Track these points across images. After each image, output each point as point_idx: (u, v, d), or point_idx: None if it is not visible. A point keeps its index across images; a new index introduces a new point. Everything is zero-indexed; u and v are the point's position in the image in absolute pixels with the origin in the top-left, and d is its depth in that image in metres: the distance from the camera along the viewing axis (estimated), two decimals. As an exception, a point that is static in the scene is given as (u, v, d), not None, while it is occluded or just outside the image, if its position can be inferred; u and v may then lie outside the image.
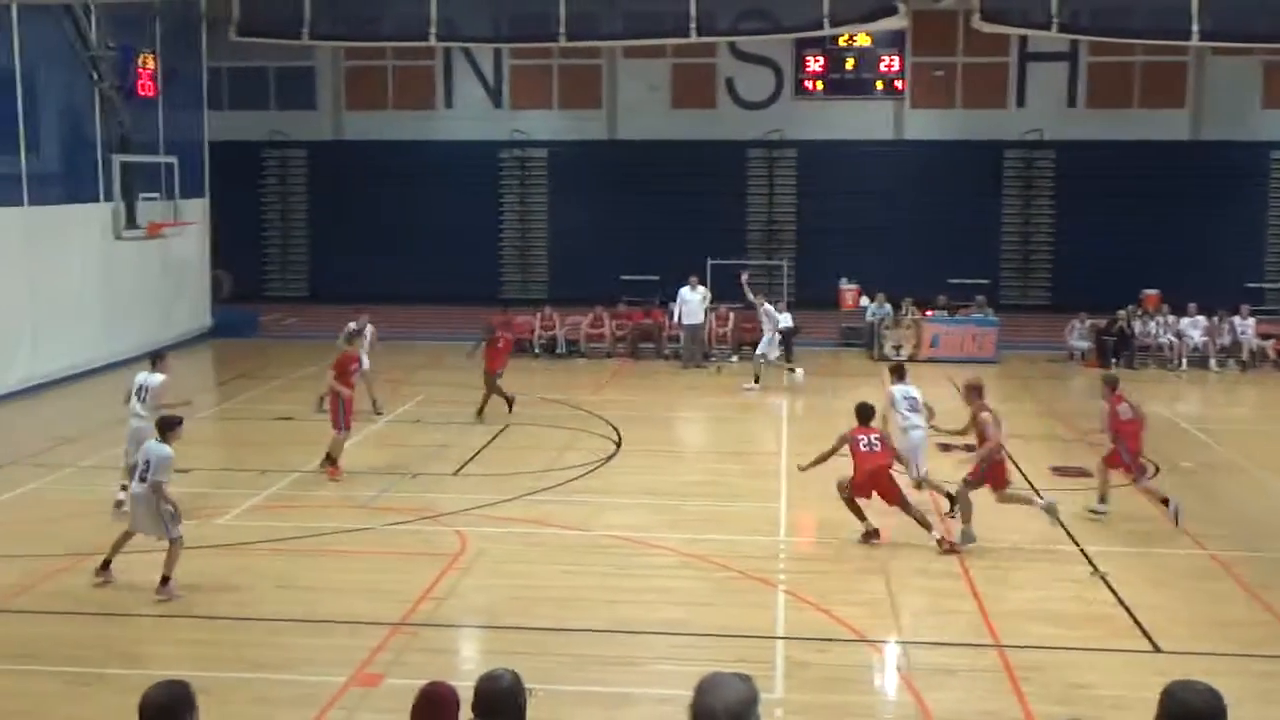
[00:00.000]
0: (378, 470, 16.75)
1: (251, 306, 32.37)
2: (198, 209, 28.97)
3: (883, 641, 10.90)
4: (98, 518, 14.17)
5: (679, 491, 15.86)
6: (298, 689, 9.64)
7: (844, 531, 13.96)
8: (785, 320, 27.25)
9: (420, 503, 15.12)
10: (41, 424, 19.50)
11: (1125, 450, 14.48)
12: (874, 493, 13.44)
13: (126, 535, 12.12)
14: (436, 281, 32.54)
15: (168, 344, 26.71)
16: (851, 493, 13.49)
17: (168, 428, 12.09)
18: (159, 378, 14.87)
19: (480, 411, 20.04)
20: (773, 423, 20.53)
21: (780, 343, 25.82)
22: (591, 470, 17.00)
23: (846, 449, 13.65)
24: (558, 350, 27.49)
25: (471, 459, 17.60)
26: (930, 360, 26.56)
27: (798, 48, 32.10)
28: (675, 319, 26.55)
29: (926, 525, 13.38)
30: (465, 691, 5.46)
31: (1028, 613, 11.49)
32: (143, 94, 26.21)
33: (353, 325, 19.34)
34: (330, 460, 16.42)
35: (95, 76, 24.73)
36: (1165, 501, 14.25)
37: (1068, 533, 13.80)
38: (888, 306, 27.91)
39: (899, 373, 15.69)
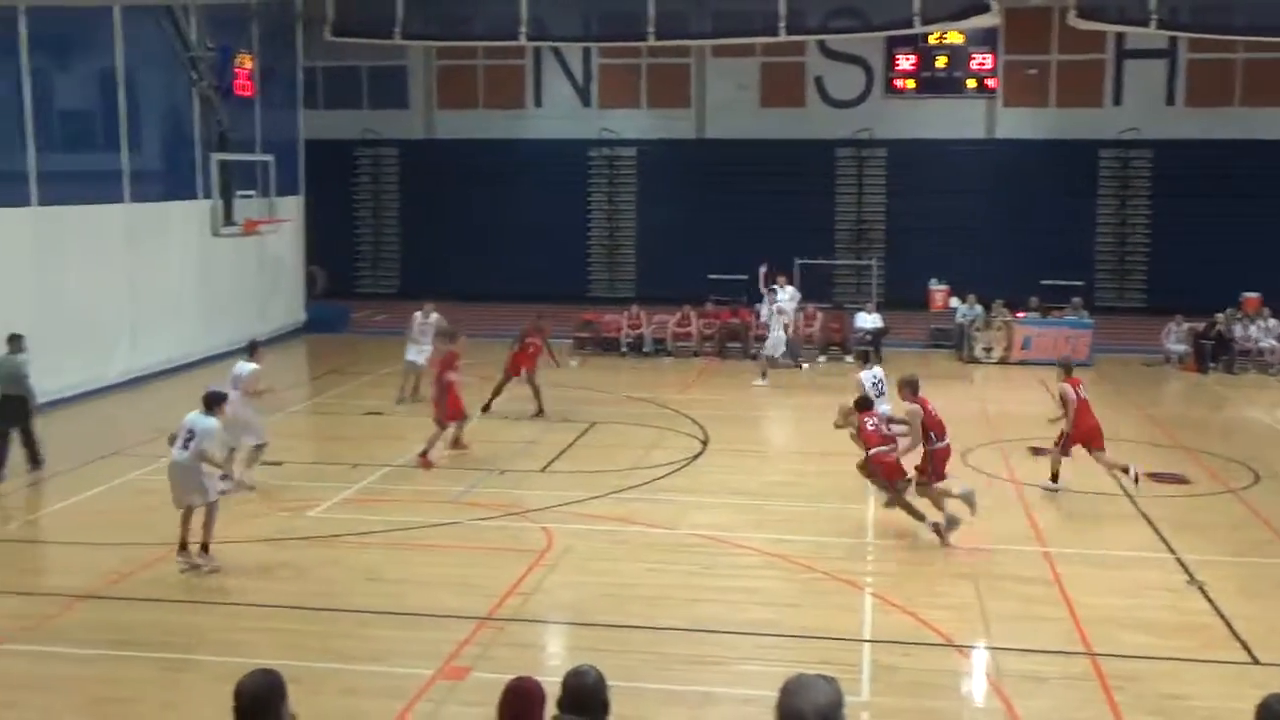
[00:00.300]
0: (466, 466, 16.89)
1: (343, 303, 32.82)
2: (293, 206, 29.44)
3: (971, 647, 10.76)
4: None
5: (764, 491, 15.80)
6: (386, 681, 9.75)
7: (931, 535, 13.83)
8: (874, 321, 27.08)
9: (508, 499, 15.23)
10: (140, 416, 19.91)
11: (1082, 430, 15.41)
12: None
13: (186, 513, 12.49)
14: (525, 280, 32.76)
15: (263, 338, 27.29)
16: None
17: (214, 402, 12.69)
18: (251, 366, 15.85)
19: (487, 406, 20.22)
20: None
21: (871, 343, 25.67)
22: (678, 469, 17.00)
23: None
24: (644, 349, 27.52)
25: (559, 456, 17.68)
26: (1022, 363, 26.20)
27: (888, 46, 31.80)
28: (762, 319, 26.42)
29: (919, 516, 13.56)
30: (550, 687, 5.49)
31: (1121, 620, 11.26)
32: (240, 93, 26.70)
33: (417, 316, 21.12)
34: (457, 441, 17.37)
35: (194, 76, 25.23)
36: (1125, 469, 15.23)
37: (1163, 540, 13.54)
38: (978, 308, 27.55)
39: (866, 358, 16.58)
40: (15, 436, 16.47)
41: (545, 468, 17.04)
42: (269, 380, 16.36)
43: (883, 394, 16.00)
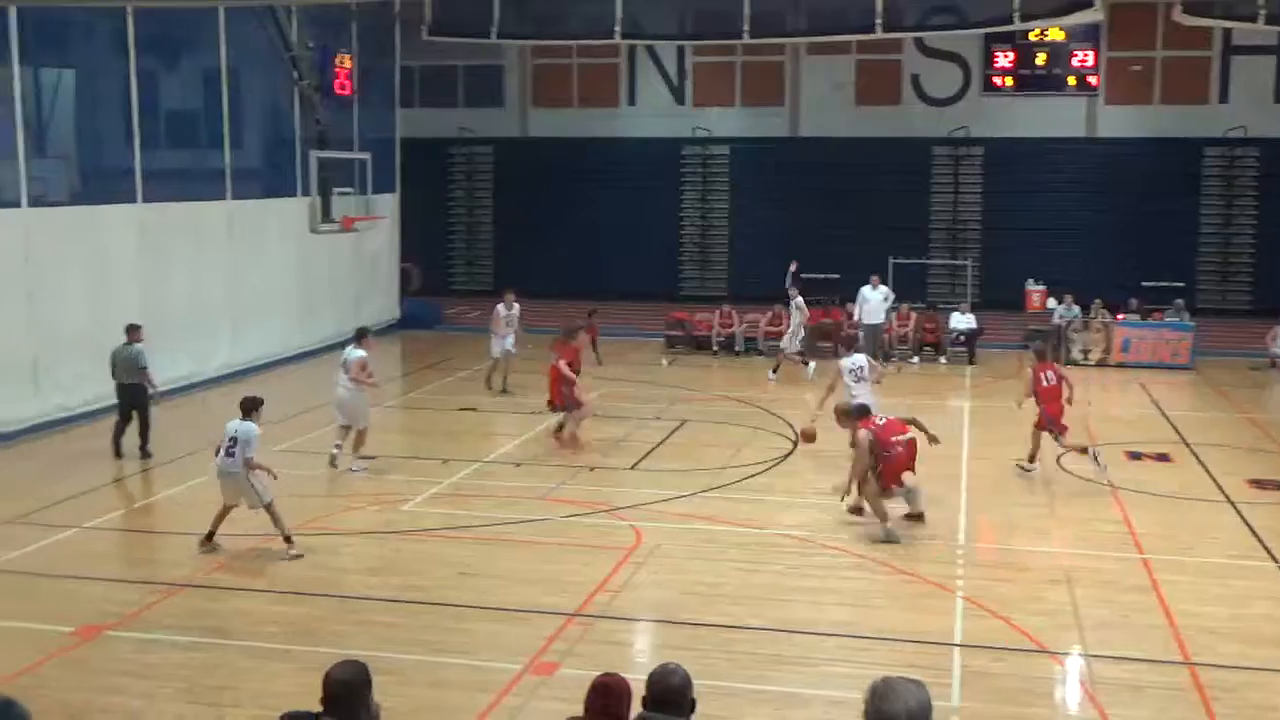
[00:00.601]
0: (556, 463, 16.99)
1: (437, 299, 33.17)
2: (388, 204, 29.84)
3: (1065, 653, 10.57)
4: (290, 500, 14.75)
5: (854, 492, 15.62)
6: (475, 674, 9.85)
7: (1025, 539, 13.66)
8: (968, 322, 26.74)
9: (597, 496, 15.29)
10: (238, 410, 20.28)
11: (1045, 414, 16.25)
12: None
13: (226, 509, 12.89)
14: (617, 277, 32.86)
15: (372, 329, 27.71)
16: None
17: (252, 407, 13.06)
18: (360, 353, 16.49)
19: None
20: (953, 426, 20.08)
21: (964, 343, 25.39)
22: (767, 468, 16.94)
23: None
24: (736, 348, 27.44)
25: (648, 454, 17.72)
26: (1120, 365, 25.70)
27: (986, 43, 31.39)
28: (855, 318, 26.24)
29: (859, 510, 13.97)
30: (637, 684, 5.50)
31: (1221, 630, 10.99)
32: (339, 92, 27.13)
33: (500, 308, 22.14)
34: (562, 429, 18.07)
35: (296, 76, 25.68)
36: (1084, 450, 16.23)
37: (1265, 548, 13.21)
38: (1076, 309, 27.06)
39: (850, 344, 17.84)
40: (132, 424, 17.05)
41: (635, 465, 17.08)
42: (374, 367, 17.03)
43: (862, 380, 17.00)
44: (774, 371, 24.03)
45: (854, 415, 14.23)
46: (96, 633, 10.67)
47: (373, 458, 16.73)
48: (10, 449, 17.69)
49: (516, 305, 22.67)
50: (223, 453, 12.82)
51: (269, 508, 12.74)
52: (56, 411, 18.84)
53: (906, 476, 13.93)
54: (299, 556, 12.68)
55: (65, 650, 10.17)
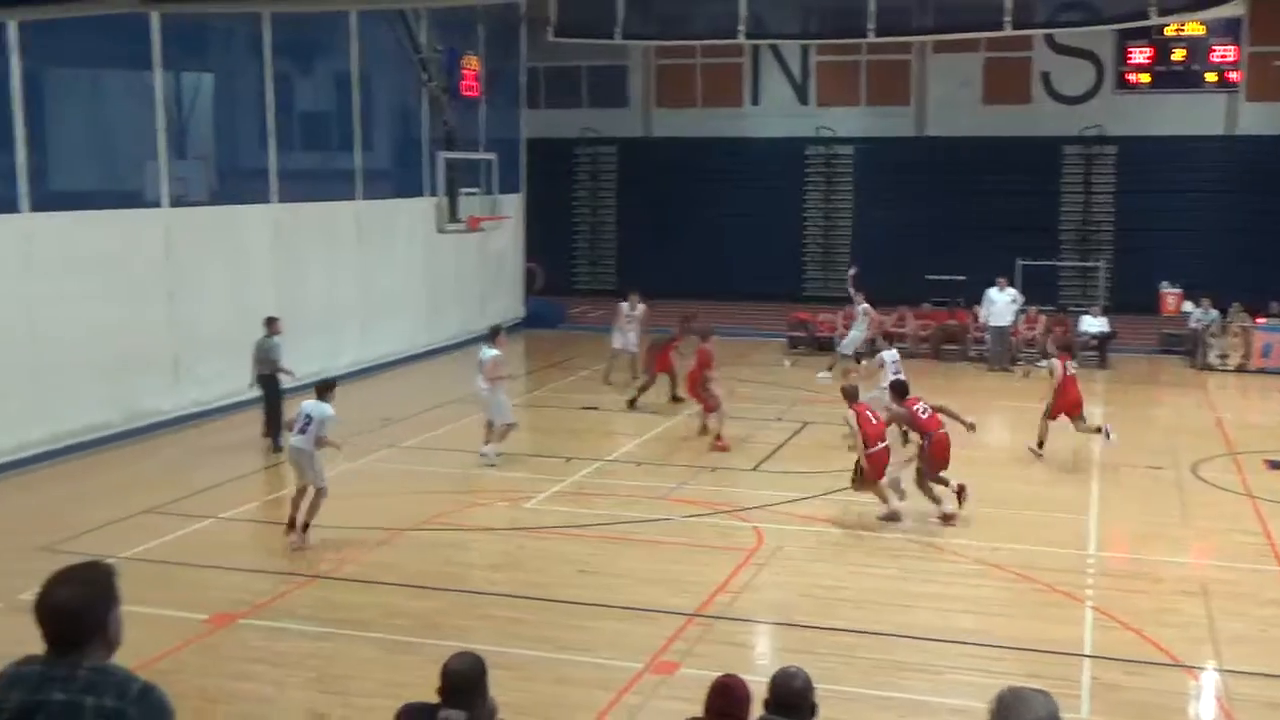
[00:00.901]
0: (678, 463, 17.02)
1: (561, 299, 33.45)
2: (513, 204, 30.18)
3: (1200, 668, 10.27)
4: (417, 496, 15.04)
5: (980, 497, 15.34)
6: (595, 672, 9.91)
7: (1158, 549, 13.30)
8: (1099, 325, 26.13)
9: (719, 497, 15.28)
10: (366, 406, 20.74)
11: (1061, 402, 17.16)
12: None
13: (301, 491, 13.29)
14: (739, 278, 32.77)
15: (485, 332, 28.04)
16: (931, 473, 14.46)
17: (326, 389, 13.59)
18: (493, 352, 16.95)
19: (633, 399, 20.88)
20: (1083, 432, 19.64)
21: (1095, 346, 24.84)
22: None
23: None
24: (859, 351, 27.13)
25: (771, 455, 17.65)
26: (1261, 371, 24.88)
27: (1120, 39, 30.60)
28: (981, 320, 25.81)
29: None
30: (757, 686, 5.49)
31: (1366, 647, 10.59)
32: (466, 94, 27.51)
33: (624, 307, 22.66)
34: (716, 435, 18.10)
35: (424, 78, 26.11)
36: (1099, 429, 17.24)
37: None
38: (1214, 312, 26.25)
39: (891, 338, 19.11)
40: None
41: (757, 466, 17.03)
42: (509, 365, 17.66)
43: (900, 372, 17.39)
44: (828, 370, 23.82)
45: (897, 392, 15.08)
46: (230, 620, 10.99)
47: (499, 454, 16.90)
48: (150, 441, 18.29)
49: (641, 306, 23.08)
50: (296, 430, 13.33)
51: (319, 491, 13.15)
52: (193, 406, 19.44)
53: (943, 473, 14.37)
54: (299, 549, 13.02)
55: (200, 637, 10.49)
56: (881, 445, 14.22)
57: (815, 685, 5.39)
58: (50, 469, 16.56)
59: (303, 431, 13.23)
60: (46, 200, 17.00)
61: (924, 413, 14.59)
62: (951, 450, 14.47)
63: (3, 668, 3.78)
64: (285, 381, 17.93)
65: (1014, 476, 16.84)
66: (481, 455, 16.72)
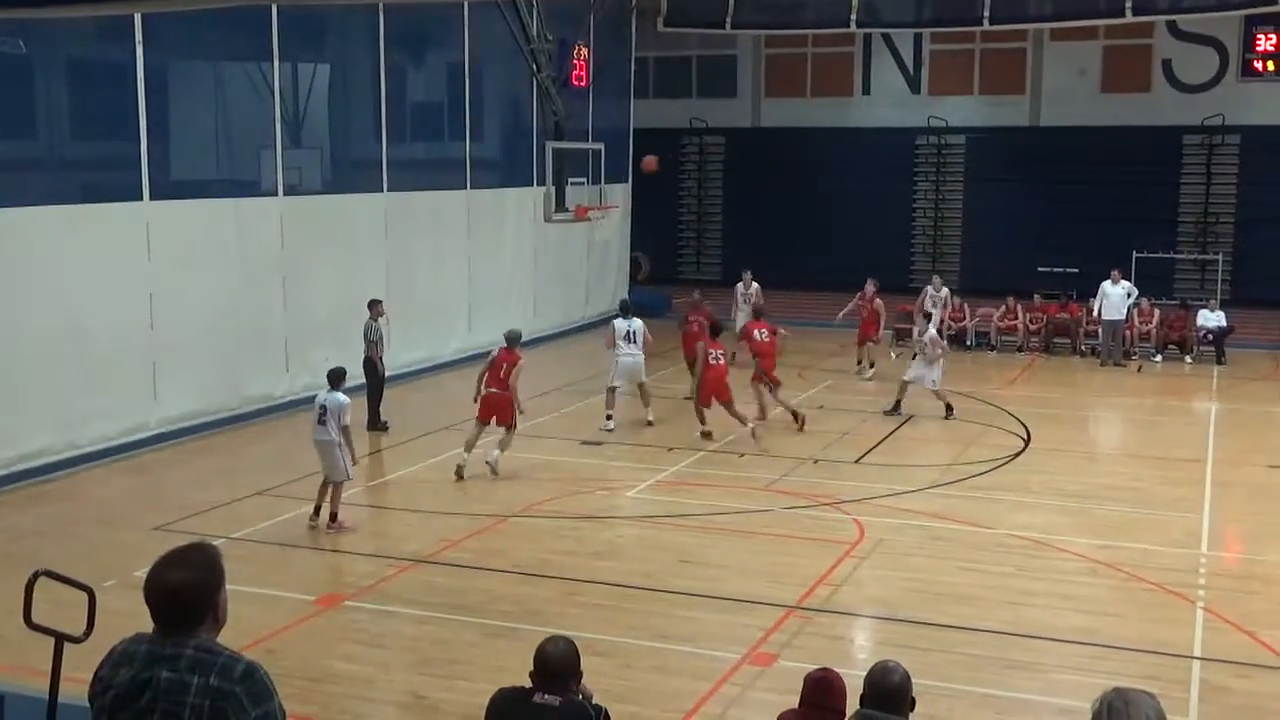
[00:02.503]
0: (780, 454, 16.95)
1: (665, 289, 33.47)
2: (620, 194, 30.26)
3: (1316, 673, 9.96)
4: (520, 483, 15.20)
5: (1089, 494, 15.11)
6: (694, 661, 9.92)
7: (1275, 549, 12.93)
8: (1217, 319, 25.43)
9: (820, 489, 15.19)
10: (472, 392, 20.99)
11: (760, 368, 18.34)
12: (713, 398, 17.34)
13: (326, 482, 13.43)
14: (847, 269, 32.37)
15: (589, 321, 28.27)
16: (699, 399, 17.56)
17: (338, 378, 13.77)
18: (640, 323, 18.49)
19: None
20: (1198, 429, 19.18)
21: (1212, 341, 24.22)
22: (998, 466, 16.50)
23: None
24: (967, 342, 26.79)
25: (874, 448, 17.49)
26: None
27: (1247, 25, 29.70)
28: (1095, 313, 25.26)
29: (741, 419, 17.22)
30: (856, 680, 5.45)
31: None
32: (576, 84, 27.63)
33: (739, 286, 23.77)
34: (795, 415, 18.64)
35: (535, 68, 26.29)
36: (795, 415, 18.19)
37: None
38: (1340, 308, 25.39)
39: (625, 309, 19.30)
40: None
41: (860, 459, 16.89)
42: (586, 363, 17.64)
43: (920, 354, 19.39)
44: (870, 365, 23.53)
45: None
46: (336, 602, 11.21)
47: (597, 444, 16.98)
48: (261, 425, 18.71)
49: (755, 285, 23.51)
50: (314, 422, 13.45)
51: (339, 484, 13.34)
52: (304, 390, 19.75)
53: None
54: (340, 532, 13.31)
55: (307, 618, 10.72)
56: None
57: (914, 680, 5.32)
58: (164, 452, 17.02)
59: (321, 423, 13.35)
60: (166, 189, 17.45)
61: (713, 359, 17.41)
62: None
63: (114, 645, 3.91)
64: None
65: (1127, 474, 16.49)
66: (606, 425, 18.08)
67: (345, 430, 13.37)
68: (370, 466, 16.71)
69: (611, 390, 18.50)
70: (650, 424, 18.55)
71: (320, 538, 13.24)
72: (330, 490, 13.39)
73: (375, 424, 17.97)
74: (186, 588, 3.77)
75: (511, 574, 12.05)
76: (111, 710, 3.76)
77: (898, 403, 19.50)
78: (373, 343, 17.98)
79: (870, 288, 23.71)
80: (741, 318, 22.92)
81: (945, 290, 24.50)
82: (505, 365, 15.66)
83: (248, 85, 19.64)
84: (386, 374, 18.59)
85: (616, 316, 19.42)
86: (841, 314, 24.21)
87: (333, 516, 13.38)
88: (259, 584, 11.34)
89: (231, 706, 3.66)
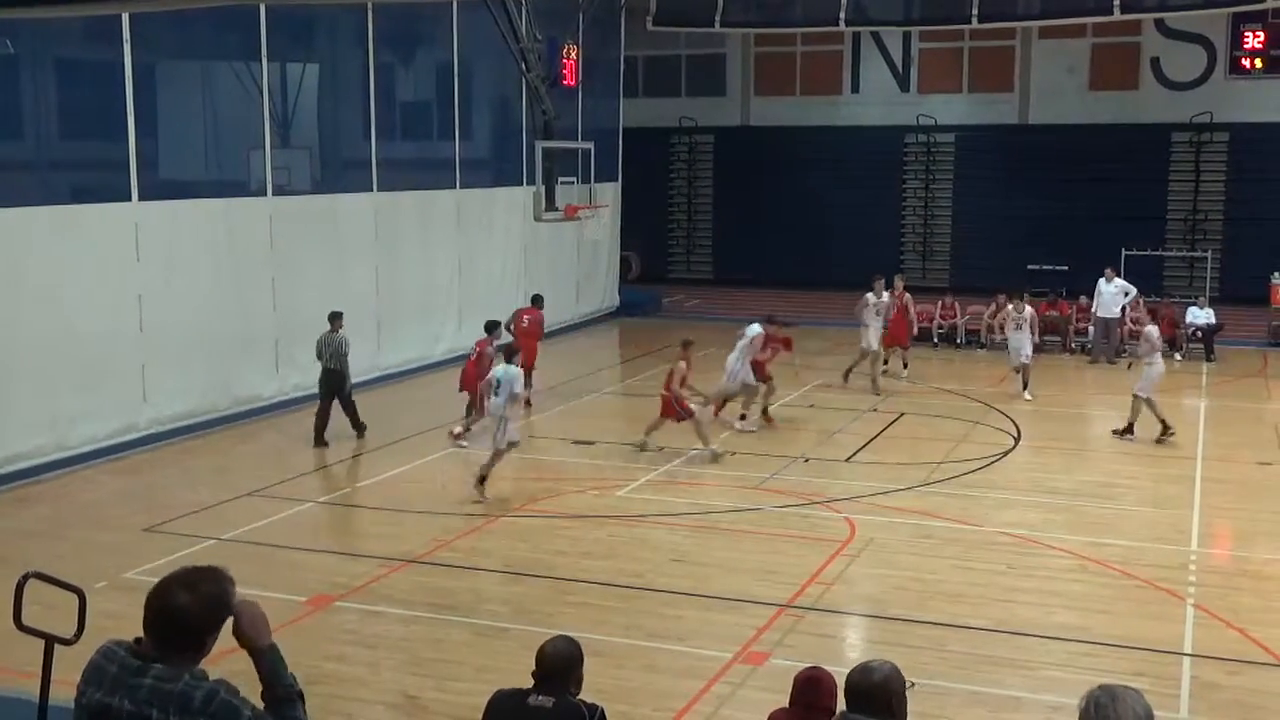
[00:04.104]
0: (770, 453, 16.95)
1: (656, 287, 33.47)
2: (610, 193, 30.24)
3: (1305, 669, 9.99)
4: (509, 481, 15.20)
5: (1080, 491, 15.14)
6: (686, 660, 9.92)
7: (1264, 546, 12.96)
8: (1206, 316, 25.48)
9: (811, 487, 15.20)
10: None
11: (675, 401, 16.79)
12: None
13: (498, 453, 14.45)
14: (837, 267, 32.54)
15: (580, 320, 28.23)
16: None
17: (513, 353, 15.21)
18: (758, 328, 18.23)
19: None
20: (1188, 427, 19.21)
21: (1201, 338, 24.25)
22: (987, 464, 16.53)
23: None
24: (957, 340, 26.83)
25: (864, 446, 17.50)
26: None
27: (1235, 22, 29.80)
28: (1093, 311, 25.22)
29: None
30: (844, 678, 5.44)
31: None
32: (565, 83, 27.59)
33: (868, 297, 21.41)
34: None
35: (523, 67, 26.24)
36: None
37: None
38: (1327, 304, 25.46)
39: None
40: (335, 407, 17.49)
41: (850, 458, 16.90)
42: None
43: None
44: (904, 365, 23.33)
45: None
46: (327, 603, 11.19)
47: (589, 443, 16.95)
48: (251, 426, 18.67)
49: (887, 294, 21.90)
50: (490, 393, 14.65)
51: (499, 451, 14.35)
52: (294, 391, 19.77)
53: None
54: (481, 501, 14.12)
55: (299, 618, 10.69)
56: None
57: (907, 678, 5.29)
58: (154, 452, 16.97)
59: (496, 394, 14.46)
60: (155, 189, 17.40)
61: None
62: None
63: (100, 645, 3.88)
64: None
65: (1116, 471, 16.52)
66: (737, 426, 18.11)
67: (514, 399, 14.53)
68: (357, 467, 16.69)
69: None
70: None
71: (315, 539, 13.20)
72: (491, 456, 14.49)
73: (358, 426, 17.67)
74: (183, 614, 3.67)
75: (503, 574, 12.04)
76: None
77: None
78: (342, 355, 17.24)
79: (899, 283, 23.04)
80: (866, 331, 21.26)
81: (886, 295, 21.97)
82: (477, 353, 17.41)
83: (236, 85, 19.59)
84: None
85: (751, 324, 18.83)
86: (873, 314, 21.67)
87: (481, 478, 14.32)
88: (249, 585, 11.16)
89: None
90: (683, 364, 16.73)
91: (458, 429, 17.33)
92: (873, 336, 21.26)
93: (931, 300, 28.00)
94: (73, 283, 15.91)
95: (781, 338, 19.32)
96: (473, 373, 17.45)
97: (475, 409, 17.01)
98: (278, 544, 12.99)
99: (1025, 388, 20.84)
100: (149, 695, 3.61)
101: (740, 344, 18.17)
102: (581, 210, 27.39)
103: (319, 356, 17.49)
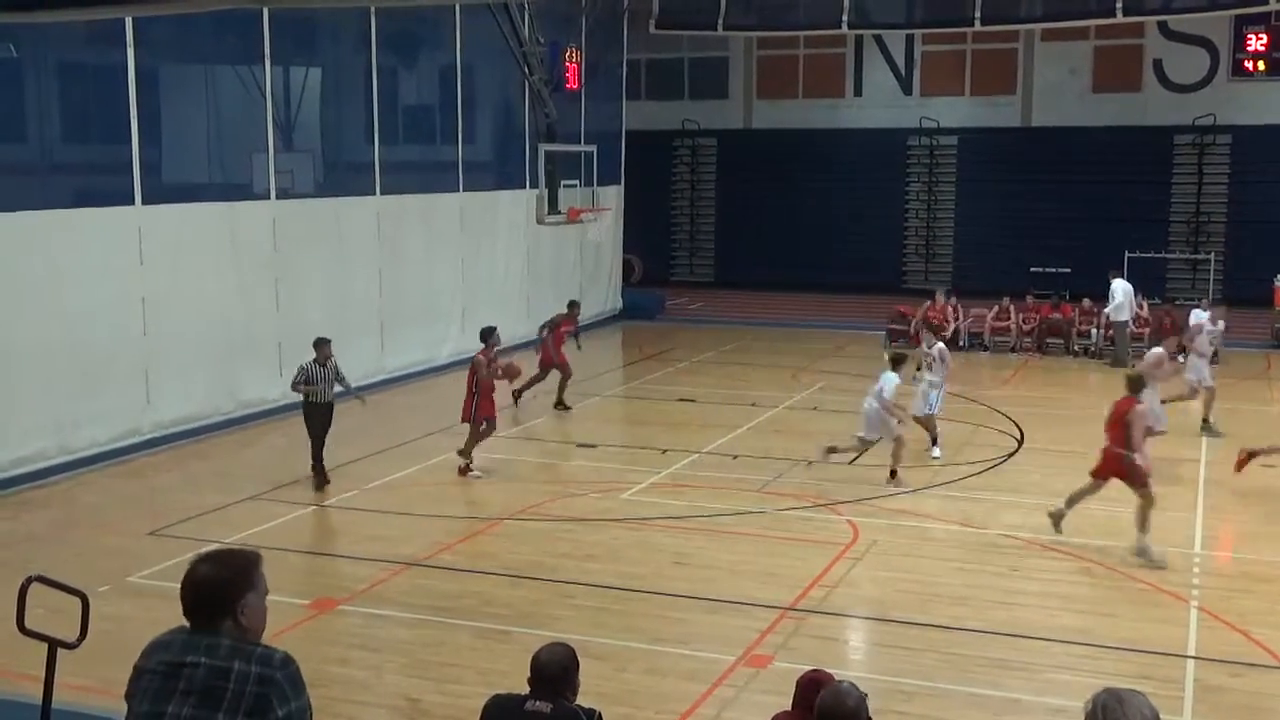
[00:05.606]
0: (773, 455, 16.95)
1: (658, 290, 33.47)
2: (613, 196, 30.27)
3: (1309, 672, 9.98)
4: (512, 485, 15.20)
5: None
6: (689, 663, 9.91)
7: (1268, 549, 12.95)
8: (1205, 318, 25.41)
9: (814, 490, 15.20)
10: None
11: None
12: None
13: (863, 443, 15.77)
14: (839, 270, 32.58)
15: (582, 324, 28.22)
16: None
17: (899, 361, 16.00)
18: (896, 379, 15.76)
19: None
20: (1191, 430, 19.18)
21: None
22: (990, 467, 16.53)
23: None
24: (960, 343, 26.78)
25: (866, 450, 17.44)
26: (1380, 368, 24.08)
27: (1237, 25, 29.80)
28: (1106, 315, 25.12)
29: None
30: (852, 681, 5.44)
31: None
32: (568, 87, 27.62)
33: (1202, 322, 20.64)
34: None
35: (526, 71, 26.28)
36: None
37: None
38: (1331, 306, 25.41)
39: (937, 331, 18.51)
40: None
41: (853, 460, 16.86)
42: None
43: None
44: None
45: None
46: (331, 606, 11.19)
47: (591, 446, 16.89)
48: (255, 429, 18.67)
49: (1221, 322, 20.99)
50: (870, 396, 15.63)
51: (898, 439, 15.53)
52: (295, 395, 19.74)
53: None
54: (898, 486, 15.20)
55: (303, 621, 10.69)
56: None
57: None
58: (158, 456, 16.99)
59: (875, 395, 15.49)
60: (158, 193, 17.42)
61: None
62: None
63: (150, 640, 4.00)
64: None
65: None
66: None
67: (884, 404, 15.42)
68: (367, 470, 16.68)
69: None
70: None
71: (318, 542, 13.21)
72: (892, 448, 15.49)
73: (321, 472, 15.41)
74: (207, 582, 3.88)
75: (505, 577, 12.03)
76: (149, 693, 3.83)
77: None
78: (343, 378, 15.45)
79: (940, 297, 22.88)
80: (1195, 367, 19.47)
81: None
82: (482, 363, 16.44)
83: (240, 88, 19.61)
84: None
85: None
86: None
87: (892, 473, 15.40)
88: (253, 588, 11.29)
89: (274, 693, 3.77)
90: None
91: (471, 465, 15.89)
92: (1197, 372, 19.24)
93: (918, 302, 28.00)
94: (76, 286, 15.92)
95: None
96: (484, 401, 16.00)
97: (473, 433, 15.86)
98: (281, 547, 12.97)
99: (935, 443, 17.34)
100: (229, 653, 3.81)
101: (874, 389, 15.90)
102: (584, 213, 27.44)
103: (305, 388, 15.17)
